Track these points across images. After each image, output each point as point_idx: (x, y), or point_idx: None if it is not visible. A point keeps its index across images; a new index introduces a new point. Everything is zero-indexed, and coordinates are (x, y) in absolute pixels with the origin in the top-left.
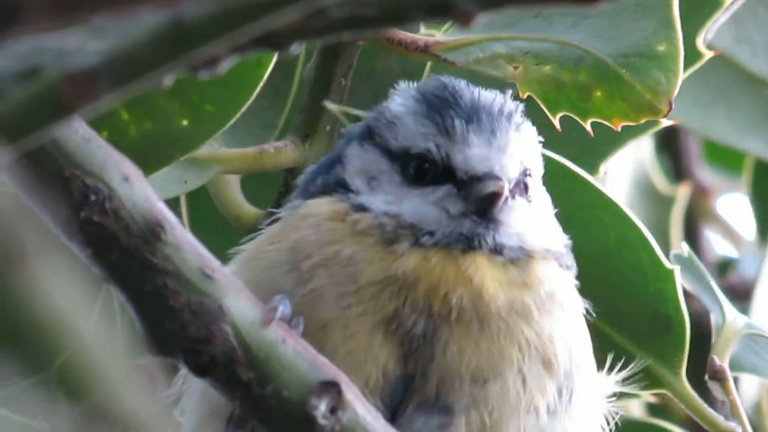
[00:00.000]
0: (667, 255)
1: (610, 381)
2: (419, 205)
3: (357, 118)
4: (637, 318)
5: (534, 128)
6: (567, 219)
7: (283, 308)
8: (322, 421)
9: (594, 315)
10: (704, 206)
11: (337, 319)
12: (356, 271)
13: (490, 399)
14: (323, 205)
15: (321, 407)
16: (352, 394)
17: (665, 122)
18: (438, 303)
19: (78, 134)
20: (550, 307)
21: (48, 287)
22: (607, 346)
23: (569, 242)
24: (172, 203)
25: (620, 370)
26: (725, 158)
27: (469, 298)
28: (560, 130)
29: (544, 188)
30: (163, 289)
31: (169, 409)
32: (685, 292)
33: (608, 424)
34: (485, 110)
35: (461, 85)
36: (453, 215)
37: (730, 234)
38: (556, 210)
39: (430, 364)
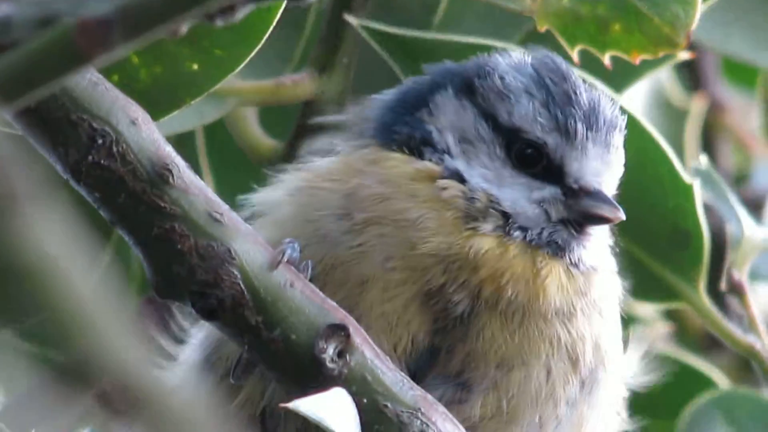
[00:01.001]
0: (683, 167)
1: (633, 360)
2: (521, 197)
3: (378, 33)
4: (657, 232)
5: None
6: None
7: (291, 251)
8: (330, 365)
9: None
10: (719, 120)
11: (378, 280)
12: (417, 237)
13: (511, 386)
14: (404, 163)
15: (329, 350)
16: (360, 337)
17: (683, 55)
18: (491, 289)
19: (85, 78)
20: (591, 311)
21: (40, 232)
22: (626, 261)
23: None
24: (189, 136)
25: (639, 284)
26: (742, 75)
27: (526, 295)
28: (578, 63)
29: None
30: (171, 232)
31: (165, 355)
32: (704, 206)
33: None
34: (603, 118)
35: (576, 76)
36: (552, 220)
37: (744, 148)
38: None
39: (459, 344)
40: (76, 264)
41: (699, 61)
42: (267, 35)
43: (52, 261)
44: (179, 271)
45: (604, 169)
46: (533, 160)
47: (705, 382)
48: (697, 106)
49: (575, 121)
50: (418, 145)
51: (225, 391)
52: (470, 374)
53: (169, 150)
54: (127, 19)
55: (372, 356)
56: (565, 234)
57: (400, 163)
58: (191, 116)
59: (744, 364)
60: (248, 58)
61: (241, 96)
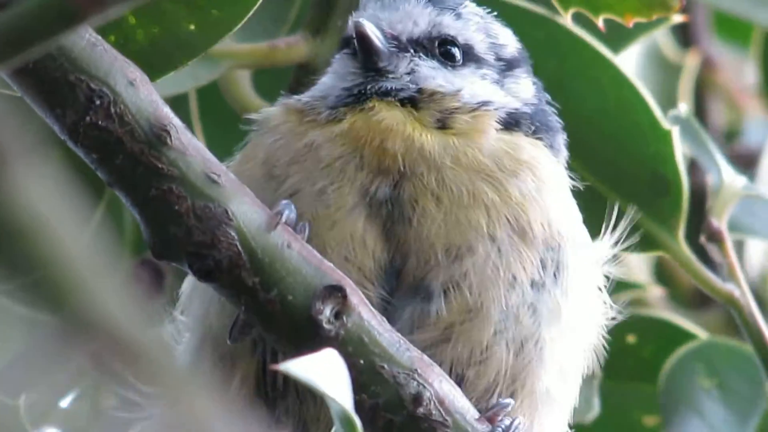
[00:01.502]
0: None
1: (605, 245)
2: (326, 78)
3: None
4: (636, 179)
5: (486, 12)
6: (566, 80)
7: (289, 212)
8: (326, 326)
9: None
10: (712, 77)
11: (320, 213)
12: (318, 154)
13: (468, 273)
14: (281, 108)
15: (326, 312)
16: (356, 298)
17: (677, 18)
18: (384, 157)
19: (83, 39)
20: (518, 168)
21: (30, 192)
22: (604, 208)
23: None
24: (183, 98)
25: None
26: (734, 31)
27: (403, 144)
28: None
29: (524, 76)
30: (168, 193)
31: (161, 316)
32: (687, 159)
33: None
34: None
35: None
36: (348, 73)
37: (737, 105)
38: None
39: (406, 239)
40: (69, 223)
41: (692, 18)
42: None
43: (45, 220)
44: (176, 233)
45: (381, 15)
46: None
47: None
48: (690, 62)
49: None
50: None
51: (222, 373)
52: (425, 274)
53: (167, 111)
54: None
55: (369, 317)
56: (360, 78)
57: (283, 110)
58: (185, 79)
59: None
60: (245, 18)
61: (235, 59)
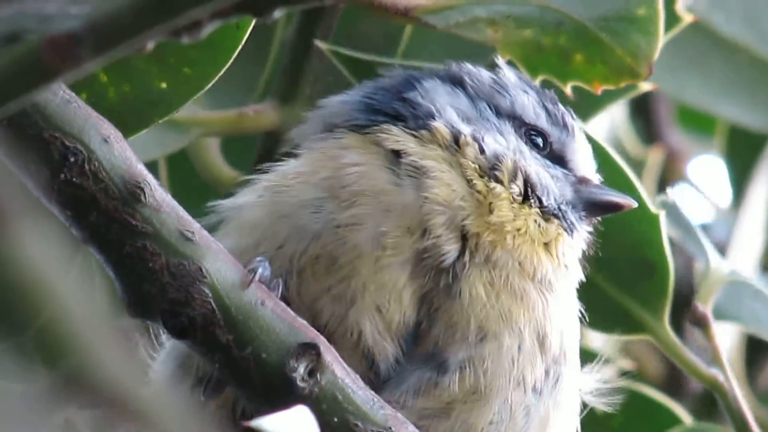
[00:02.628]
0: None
1: (591, 379)
2: (541, 168)
3: (347, 58)
4: (622, 262)
5: None
6: None
7: (263, 270)
8: (300, 384)
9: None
10: (677, 170)
11: (369, 251)
12: (424, 183)
13: (486, 357)
14: (393, 129)
15: (300, 369)
16: (330, 356)
17: (645, 86)
18: (491, 236)
19: (58, 96)
20: (565, 296)
21: (27, 250)
22: (590, 290)
23: None
24: (152, 166)
25: (603, 315)
26: (698, 122)
27: (525, 253)
28: None
29: None
30: (142, 251)
31: (144, 370)
32: (670, 241)
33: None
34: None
35: None
36: (566, 198)
37: (701, 198)
38: None
39: (442, 308)
40: (64, 278)
41: (654, 109)
42: (236, 53)
43: (43, 275)
44: (150, 290)
45: (593, 167)
46: (540, 143)
47: (670, 418)
48: (653, 158)
49: (571, 119)
50: (421, 119)
51: (196, 402)
52: (447, 347)
53: (141, 168)
54: (94, 35)
55: (343, 375)
56: (576, 215)
57: (384, 128)
58: (154, 146)
59: (703, 404)
60: (217, 77)
61: (203, 126)
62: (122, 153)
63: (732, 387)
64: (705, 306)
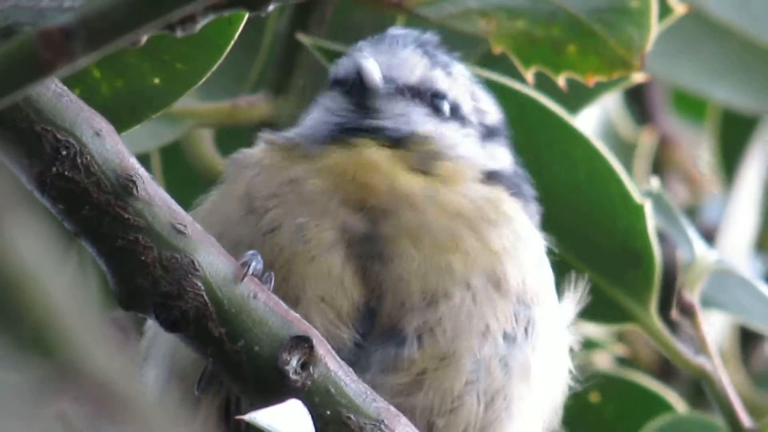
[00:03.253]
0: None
1: (570, 307)
2: (312, 115)
3: (332, 53)
4: (608, 252)
5: (470, 74)
6: (538, 153)
7: (256, 263)
8: (293, 377)
9: (561, 250)
10: (669, 155)
11: (299, 247)
12: (301, 188)
13: (442, 319)
14: (261, 145)
15: (292, 362)
16: (323, 348)
17: (637, 77)
18: (363, 193)
19: (50, 90)
20: (498, 220)
21: (20, 244)
22: (577, 280)
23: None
24: (145, 158)
25: (589, 302)
26: (691, 108)
27: (383, 183)
28: (533, 84)
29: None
30: (135, 244)
31: (138, 364)
32: (656, 231)
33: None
34: (392, 38)
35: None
36: (335, 112)
37: (693, 182)
38: (527, 145)
39: (383, 280)
40: (54, 273)
41: (648, 94)
42: (229, 48)
43: (36, 269)
44: (143, 283)
45: (377, 60)
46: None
47: (662, 405)
48: (646, 140)
49: (360, 45)
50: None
51: (187, 407)
52: (400, 318)
53: (133, 161)
54: (88, 29)
55: (335, 368)
56: (349, 114)
57: (264, 146)
58: (147, 138)
59: (694, 392)
60: (211, 71)
61: (196, 118)
62: (114, 146)
63: (720, 376)
64: (692, 295)
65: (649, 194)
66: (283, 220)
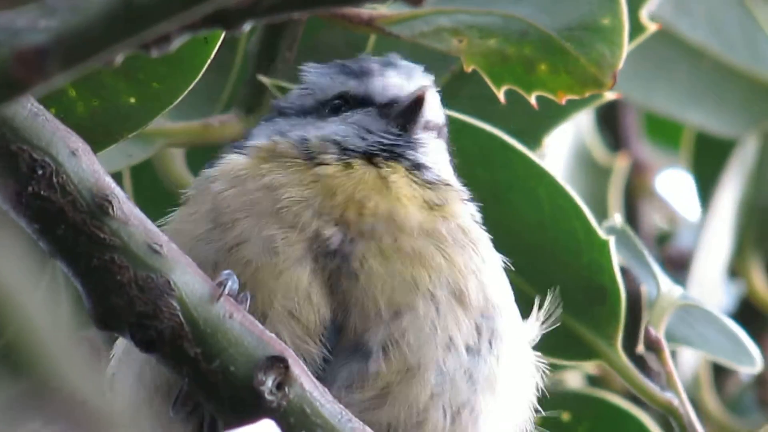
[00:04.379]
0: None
1: (534, 327)
2: (340, 126)
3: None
4: (572, 289)
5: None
6: (503, 190)
7: (231, 283)
8: (269, 397)
9: (520, 276)
10: (643, 181)
11: (265, 261)
12: (276, 195)
13: (406, 331)
14: (236, 156)
15: (268, 383)
16: (298, 369)
17: (609, 95)
18: (354, 211)
19: (25, 109)
20: (463, 241)
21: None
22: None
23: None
24: (117, 177)
25: (556, 342)
26: (665, 133)
27: (385, 206)
28: (505, 103)
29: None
30: (110, 263)
31: (110, 382)
32: (622, 266)
33: (539, 375)
34: (399, 60)
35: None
36: (374, 131)
37: (667, 209)
38: (492, 183)
39: (349, 294)
40: (29, 292)
41: (622, 120)
42: (205, 68)
43: (12, 289)
44: (118, 303)
45: (409, 87)
46: (339, 107)
47: (634, 424)
48: (619, 165)
49: (370, 64)
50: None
51: (162, 426)
52: (365, 331)
53: (108, 181)
54: (63, 48)
55: (311, 388)
56: (391, 137)
57: (234, 159)
58: (119, 157)
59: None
60: (186, 91)
61: (168, 137)
62: (90, 166)
63: (687, 411)
64: (657, 330)
65: (613, 230)
66: (250, 232)
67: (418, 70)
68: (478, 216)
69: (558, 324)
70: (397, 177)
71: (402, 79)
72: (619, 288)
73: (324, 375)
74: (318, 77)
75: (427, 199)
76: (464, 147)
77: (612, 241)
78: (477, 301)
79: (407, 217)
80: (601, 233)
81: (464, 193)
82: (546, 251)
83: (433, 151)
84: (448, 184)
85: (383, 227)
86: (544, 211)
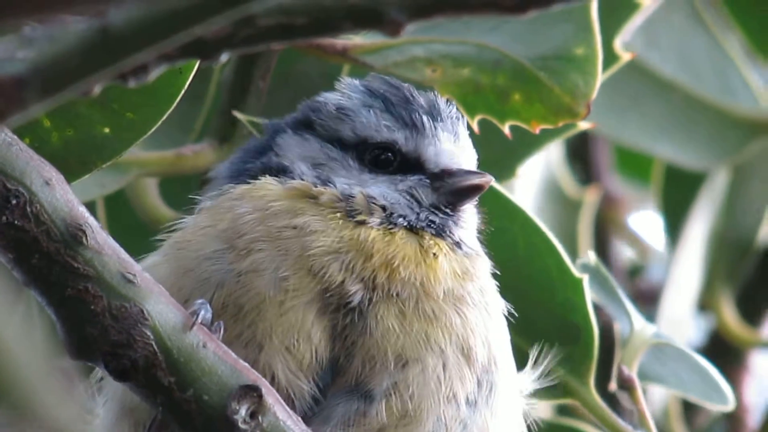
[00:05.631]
0: (575, 260)
1: (527, 379)
2: (389, 189)
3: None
4: (545, 327)
5: None
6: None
7: (205, 312)
8: (242, 426)
9: (514, 317)
10: (613, 215)
11: (272, 296)
12: (307, 240)
13: (410, 382)
14: (271, 184)
15: (241, 411)
16: (272, 398)
17: (583, 125)
18: (385, 275)
19: None
20: (480, 301)
21: None
22: (515, 354)
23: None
24: (90, 206)
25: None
26: (635, 167)
27: (418, 275)
28: (478, 132)
29: None
30: (84, 293)
31: (85, 410)
32: (595, 302)
33: (526, 422)
34: (444, 109)
35: (409, 85)
36: (424, 204)
37: (637, 243)
38: None
39: (357, 343)
40: (4, 321)
41: (592, 153)
42: (179, 98)
43: None
44: (92, 332)
45: (458, 152)
46: (387, 160)
47: None
48: (590, 198)
49: (420, 115)
50: (277, 174)
51: None
52: (370, 378)
53: (82, 210)
54: (40, 78)
55: (284, 417)
56: (441, 214)
57: (268, 186)
58: (92, 186)
59: None
60: (160, 121)
61: (142, 167)
62: (64, 195)
63: None
64: (630, 369)
65: (587, 267)
66: (266, 265)
67: (462, 125)
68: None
69: (555, 382)
70: (439, 252)
71: (452, 144)
72: (592, 327)
73: (312, 413)
74: (360, 106)
75: (461, 271)
76: None
77: (586, 279)
78: (482, 358)
79: (437, 285)
80: (575, 271)
81: (486, 257)
82: (520, 289)
83: (471, 225)
84: (479, 255)
85: (411, 292)
86: (519, 249)
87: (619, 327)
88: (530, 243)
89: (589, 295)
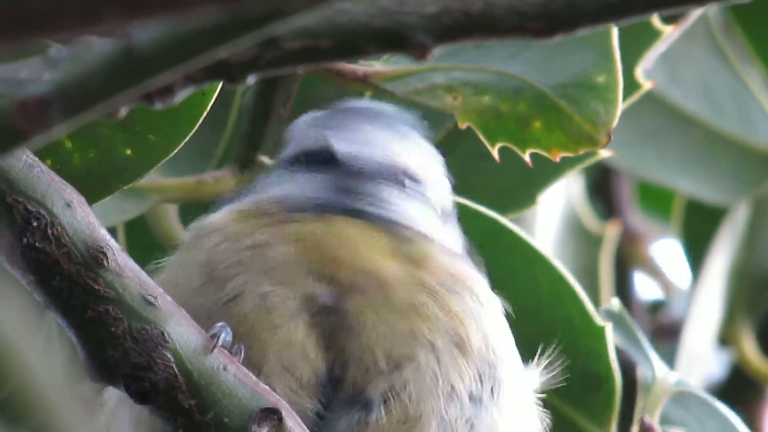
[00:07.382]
0: (596, 299)
1: (535, 374)
2: (308, 183)
3: None
4: (568, 374)
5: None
6: (501, 276)
7: (225, 335)
8: None
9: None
10: (635, 250)
11: (260, 316)
12: (267, 253)
13: (407, 383)
14: (225, 213)
15: None
16: (292, 421)
17: (604, 153)
18: (336, 266)
19: (21, 160)
20: (459, 289)
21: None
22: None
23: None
24: (111, 232)
25: (549, 426)
26: (656, 203)
27: (361, 265)
28: (499, 160)
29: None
30: (105, 315)
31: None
32: (617, 346)
33: (542, 423)
34: (360, 112)
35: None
36: (335, 189)
37: (660, 278)
38: (490, 267)
39: (347, 348)
40: (29, 344)
41: (613, 188)
42: (201, 119)
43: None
44: (113, 354)
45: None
46: (309, 161)
47: None
48: (611, 233)
49: (346, 112)
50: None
51: None
52: (365, 384)
53: (103, 233)
54: (65, 98)
55: None
56: (349, 195)
57: (221, 215)
58: (112, 212)
59: None
60: (183, 143)
61: (162, 193)
62: (85, 218)
63: None
64: (652, 417)
65: (610, 314)
66: (245, 288)
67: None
68: (476, 260)
69: (558, 380)
70: (356, 229)
71: (338, 129)
72: (614, 376)
73: (318, 429)
74: (299, 125)
75: (392, 248)
76: (467, 232)
77: (609, 328)
78: (478, 348)
79: (388, 271)
80: (598, 320)
81: (451, 243)
82: (542, 337)
83: (388, 200)
84: (424, 237)
85: (365, 283)
86: (542, 296)
87: (641, 373)
88: (553, 290)
89: (612, 344)
